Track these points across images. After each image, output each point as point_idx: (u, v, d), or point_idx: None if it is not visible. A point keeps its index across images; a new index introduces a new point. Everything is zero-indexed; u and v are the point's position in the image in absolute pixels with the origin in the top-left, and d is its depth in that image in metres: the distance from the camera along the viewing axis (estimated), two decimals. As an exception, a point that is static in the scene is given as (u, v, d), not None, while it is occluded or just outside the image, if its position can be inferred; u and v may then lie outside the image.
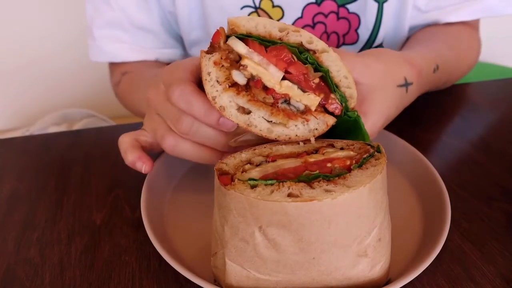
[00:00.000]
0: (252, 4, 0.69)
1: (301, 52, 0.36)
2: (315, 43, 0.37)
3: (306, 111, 0.37)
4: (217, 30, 0.36)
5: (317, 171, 0.33)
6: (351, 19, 0.71)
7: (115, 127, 0.69)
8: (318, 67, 0.37)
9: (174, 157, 0.49)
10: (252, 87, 0.36)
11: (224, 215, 0.33)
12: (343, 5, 0.69)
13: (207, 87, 0.36)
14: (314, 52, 0.37)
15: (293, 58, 0.36)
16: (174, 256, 0.37)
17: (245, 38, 0.36)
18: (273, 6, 0.69)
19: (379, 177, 0.32)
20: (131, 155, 0.44)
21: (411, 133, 0.57)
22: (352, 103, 0.38)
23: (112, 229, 0.46)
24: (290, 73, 0.36)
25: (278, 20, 0.40)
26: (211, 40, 0.36)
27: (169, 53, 0.76)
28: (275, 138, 0.37)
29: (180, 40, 0.79)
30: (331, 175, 0.32)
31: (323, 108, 0.38)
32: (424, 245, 0.40)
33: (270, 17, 0.70)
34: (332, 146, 0.37)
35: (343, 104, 0.37)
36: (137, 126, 0.49)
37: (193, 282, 0.34)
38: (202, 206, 0.45)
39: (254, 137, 0.39)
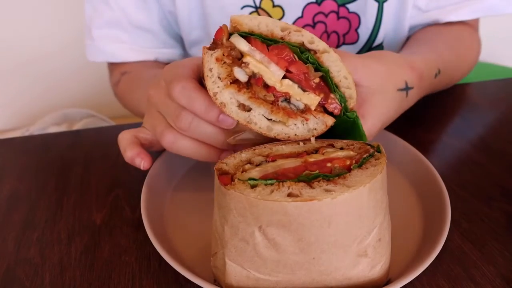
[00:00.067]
0: (252, 4, 0.69)
1: (302, 52, 0.37)
2: (316, 43, 0.37)
3: (306, 110, 0.37)
4: (220, 27, 0.36)
5: (317, 171, 0.33)
6: (351, 19, 0.71)
7: (115, 127, 0.69)
8: (318, 67, 0.37)
9: (174, 157, 0.49)
10: (253, 84, 0.36)
11: (224, 215, 0.33)
12: (343, 5, 0.69)
13: (208, 83, 0.36)
14: (315, 52, 0.37)
15: (294, 58, 0.36)
16: (174, 256, 0.37)
17: (247, 36, 0.36)
18: (274, 6, 0.69)
19: (379, 177, 0.32)
20: (130, 151, 0.44)
21: (411, 133, 0.57)
22: (351, 104, 0.38)
23: (112, 229, 0.46)
24: (291, 72, 0.37)
25: (278, 20, 0.40)
26: (214, 37, 0.36)
27: (168, 53, 0.76)
28: (274, 136, 0.37)
29: (179, 40, 0.79)
30: (331, 175, 0.32)
31: (322, 109, 0.38)
32: (424, 245, 0.40)
33: (271, 17, 0.70)
34: (332, 146, 0.37)
35: (343, 104, 0.38)
36: (137, 126, 0.48)
37: (193, 282, 0.34)
38: (202, 206, 0.45)
39: (253, 136, 0.39)
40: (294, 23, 0.70)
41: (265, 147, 0.37)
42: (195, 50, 0.77)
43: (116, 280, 0.40)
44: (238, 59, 0.37)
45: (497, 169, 0.53)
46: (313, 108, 0.37)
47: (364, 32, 0.72)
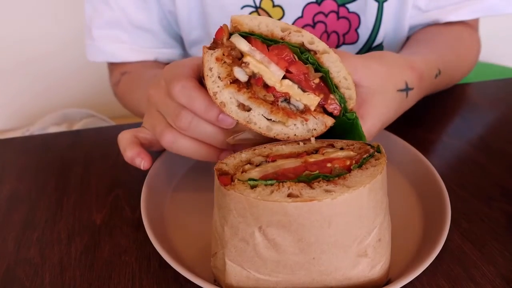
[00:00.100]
0: (252, 4, 0.69)
1: (302, 52, 0.37)
2: (316, 43, 0.37)
3: (305, 110, 0.37)
4: (221, 26, 0.36)
5: (317, 171, 0.33)
6: (351, 19, 0.71)
7: (115, 127, 0.69)
8: (318, 67, 0.37)
9: (174, 157, 0.49)
10: (253, 84, 0.37)
11: (224, 215, 0.33)
12: (343, 5, 0.69)
13: (208, 82, 0.36)
14: (315, 52, 0.37)
15: (294, 58, 0.36)
16: (174, 256, 0.37)
17: (247, 36, 0.36)
18: (274, 6, 0.69)
19: (379, 177, 0.32)
20: (130, 151, 0.44)
21: (411, 133, 0.57)
22: (351, 104, 0.38)
23: (112, 229, 0.46)
24: (291, 72, 0.37)
25: (279, 20, 0.40)
26: (214, 36, 0.36)
27: (168, 53, 0.76)
28: (274, 137, 0.37)
29: (179, 40, 0.79)
30: (331, 175, 0.32)
31: (322, 109, 0.38)
32: (424, 245, 0.40)
33: (271, 17, 0.70)
34: (332, 146, 0.37)
35: (342, 105, 0.38)
36: (137, 126, 0.48)
37: (193, 282, 0.34)
38: (202, 206, 0.45)
39: (252, 135, 0.39)
40: (294, 23, 0.70)
41: (265, 147, 0.37)
42: (195, 50, 0.77)
43: (116, 280, 0.40)
44: (238, 59, 0.37)
45: (497, 169, 0.53)
46: (312, 108, 0.37)
47: (364, 32, 0.72)
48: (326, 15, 0.70)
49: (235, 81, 0.36)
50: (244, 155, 0.36)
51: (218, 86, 0.36)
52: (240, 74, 0.36)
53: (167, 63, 0.71)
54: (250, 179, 0.32)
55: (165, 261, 0.36)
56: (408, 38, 0.73)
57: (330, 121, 0.38)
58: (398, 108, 0.47)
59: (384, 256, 0.35)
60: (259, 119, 0.37)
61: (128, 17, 0.71)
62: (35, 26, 1.41)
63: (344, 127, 0.39)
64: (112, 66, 0.78)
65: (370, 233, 0.33)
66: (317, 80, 0.37)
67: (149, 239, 0.39)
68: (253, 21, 0.36)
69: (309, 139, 0.38)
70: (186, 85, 0.38)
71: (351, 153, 0.35)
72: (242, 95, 0.36)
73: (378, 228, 0.33)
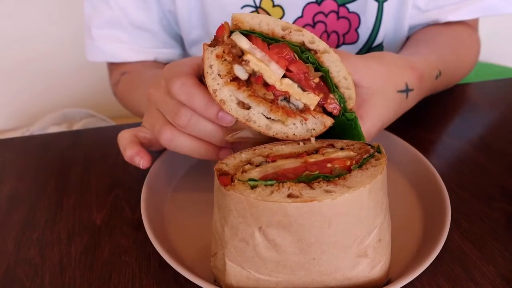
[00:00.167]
0: (252, 3, 0.69)
1: (302, 52, 0.37)
2: (317, 43, 0.37)
3: (305, 110, 0.37)
4: (222, 24, 0.36)
5: (317, 172, 0.33)
6: (351, 19, 0.71)
7: (115, 127, 0.69)
8: (318, 67, 0.37)
9: (174, 157, 0.49)
10: (253, 82, 0.37)
11: (224, 215, 0.33)
12: (343, 5, 0.69)
13: (208, 79, 0.36)
14: (316, 52, 0.37)
15: (295, 57, 0.37)
16: (174, 256, 0.37)
17: (248, 34, 0.36)
18: (274, 6, 0.69)
19: (379, 178, 0.32)
20: (130, 150, 0.44)
21: (411, 133, 0.57)
22: (350, 104, 0.38)
23: (112, 229, 0.46)
24: (291, 71, 0.37)
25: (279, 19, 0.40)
26: (215, 34, 0.36)
27: (168, 53, 0.76)
28: (273, 135, 0.37)
29: (179, 40, 0.79)
30: (331, 176, 0.32)
31: (321, 109, 0.38)
32: (424, 245, 0.40)
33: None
34: (332, 146, 0.37)
35: (342, 105, 0.38)
36: (137, 126, 0.49)
37: (193, 282, 0.34)
38: (202, 206, 0.45)
39: (252, 134, 0.39)
40: (294, 22, 0.70)
41: (265, 147, 0.37)
42: (195, 50, 0.77)
43: (116, 280, 0.40)
44: (239, 56, 0.37)
45: (497, 169, 0.53)
46: (312, 108, 0.37)
47: (364, 32, 0.72)
48: (326, 15, 0.70)
49: (235, 79, 0.36)
50: (244, 155, 0.36)
51: (218, 84, 0.36)
52: (240, 72, 0.36)
53: (166, 63, 0.71)
54: (250, 180, 0.32)
55: (165, 261, 0.36)
56: (408, 38, 0.73)
57: (329, 121, 0.38)
58: (398, 108, 0.47)
59: (384, 257, 0.35)
60: (258, 117, 0.37)
61: (128, 16, 0.71)
62: (35, 25, 1.41)
63: (343, 127, 0.39)
64: (112, 66, 0.78)
65: (370, 233, 0.33)
66: (317, 80, 0.37)
67: (149, 239, 0.39)
68: (254, 19, 0.36)
69: (309, 139, 0.38)
70: (186, 83, 0.38)
71: (351, 153, 0.35)
72: (242, 93, 0.36)
73: (378, 229, 0.33)
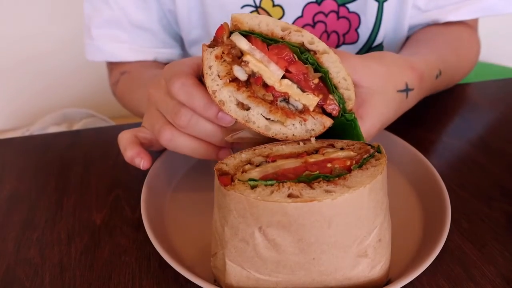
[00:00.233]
0: (252, 3, 0.69)
1: (302, 52, 0.37)
2: (316, 44, 0.37)
3: (304, 110, 0.37)
4: (221, 25, 0.36)
5: (317, 172, 0.33)
6: (351, 19, 0.71)
7: (115, 127, 0.69)
8: (318, 67, 0.37)
9: (174, 157, 0.49)
10: (253, 83, 0.37)
11: (224, 215, 0.33)
12: (343, 5, 0.69)
13: (207, 80, 0.36)
14: (315, 52, 0.37)
15: (294, 58, 0.36)
16: (174, 256, 0.37)
17: (247, 35, 0.36)
18: (274, 5, 0.69)
19: (379, 178, 0.32)
20: (130, 151, 0.44)
21: (411, 133, 0.57)
22: (350, 105, 0.38)
23: (112, 229, 0.46)
24: (290, 72, 0.37)
25: (278, 19, 0.40)
26: (214, 34, 0.36)
27: (167, 52, 0.76)
28: (272, 136, 0.37)
29: (178, 40, 0.79)
30: (331, 176, 0.32)
31: (321, 110, 0.38)
32: (424, 245, 0.40)
33: (271, 16, 0.70)
34: (332, 146, 0.37)
35: (341, 106, 0.38)
36: (137, 126, 0.49)
37: (193, 282, 0.34)
38: (202, 206, 0.45)
39: (251, 134, 0.39)
40: (294, 22, 0.70)
41: (265, 147, 0.37)
42: (195, 50, 0.77)
43: (116, 280, 0.40)
44: (238, 57, 0.37)
45: (497, 169, 0.53)
46: (311, 108, 0.37)
47: (364, 32, 0.72)
48: (326, 15, 0.70)
49: (235, 79, 0.36)
50: (244, 155, 0.36)
51: (218, 84, 0.36)
52: (240, 73, 0.36)
53: (166, 63, 0.71)
54: (250, 179, 0.32)
55: (165, 261, 0.36)
56: (407, 38, 0.73)
57: (328, 122, 0.38)
58: (397, 108, 0.47)
59: (384, 257, 0.35)
60: (257, 118, 0.37)
61: (128, 16, 0.71)
62: (35, 24, 1.41)
63: (342, 128, 0.39)
64: (111, 65, 0.78)
65: (370, 233, 0.33)
66: (316, 80, 0.37)
67: (149, 239, 0.39)
68: (253, 20, 0.36)
69: (309, 139, 0.38)
70: (185, 83, 0.39)
71: (352, 153, 0.35)
72: (241, 94, 0.36)
73: (378, 229, 0.33)
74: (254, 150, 0.37)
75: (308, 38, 0.37)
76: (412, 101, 0.51)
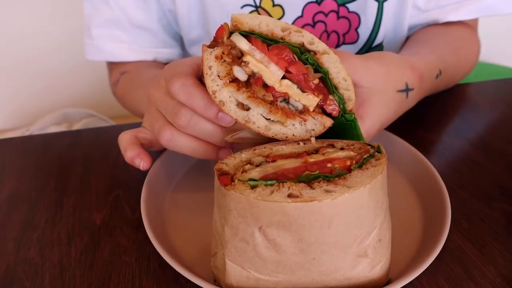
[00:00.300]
0: (252, 3, 0.69)
1: (302, 53, 0.37)
2: (316, 44, 0.37)
3: (304, 111, 0.37)
4: (221, 25, 0.36)
5: (317, 172, 0.33)
6: (351, 18, 0.71)
7: (115, 127, 0.69)
8: (318, 68, 0.37)
9: (174, 157, 0.49)
10: (253, 84, 0.37)
11: (224, 215, 0.33)
12: (343, 4, 0.69)
13: (207, 81, 0.36)
14: (315, 53, 0.37)
15: (294, 58, 0.36)
16: (174, 256, 0.37)
17: (247, 35, 0.36)
18: (274, 5, 0.69)
19: (379, 178, 0.32)
20: (130, 152, 0.44)
21: (411, 133, 0.57)
22: (350, 105, 0.38)
23: (112, 229, 0.46)
24: (290, 72, 0.37)
25: (279, 19, 0.40)
26: (214, 35, 0.36)
27: (167, 52, 0.76)
28: (272, 136, 0.37)
29: (178, 40, 0.79)
30: (331, 176, 0.32)
31: (321, 110, 0.38)
32: (424, 245, 0.40)
33: (271, 16, 0.70)
34: (332, 146, 0.37)
35: (341, 106, 0.38)
36: (137, 126, 0.49)
37: (193, 282, 0.34)
38: (202, 206, 0.45)
39: (251, 134, 0.39)
40: (294, 22, 0.70)
41: (265, 147, 0.37)
42: (195, 50, 0.77)
43: (116, 280, 0.40)
44: (238, 58, 0.37)
45: (497, 169, 0.53)
46: (311, 109, 0.37)
47: (364, 31, 0.72)
48: (326, 15, 0.70)
49: (235, 80, 0.37)
50: (244, 155, 0.36)
51: (218, 85, 0.36)
52: (240, 73, 0.36)
53: (166, 63, 0.71)
54: (250, 179, 0.32)
55: (165, 261, 0.36)
56: (407, 38, 0.73)
57: (328, 122, 0.38)
58: (397, 108, 0.47)
59: (384, 257, 0.35)
60: (258, 118, 0.37)
61: (128, 16, 0.71)
62: (35, 24, 1.41)
63: (342, 128, 0.39)
64: (111, 65, 0.78)
65: (370, 233, 0.33)
66: (316, 81, 0.37)
67: (149, 239, 0.39)
68: (253, 20, 0.36)
69: (309, 139, 0.38)
70: (185, 83, 0.39)
71: (352, 153, 0.35)
72: (241, 94, 0.36)
73: (378, 229, 0.33)
74: (254, 150, 0.37)
75: (308, 38, 0.37)
76: (412, 101, 0.51)
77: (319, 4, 0.69)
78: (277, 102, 0.37)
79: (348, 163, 0.34)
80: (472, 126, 0.64)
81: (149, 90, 0.44)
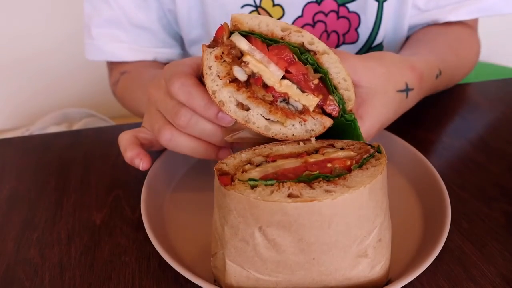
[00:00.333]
0: (252, 3, 0.69)
1: (302, 53, 0.37)
2: (316, 44, 0.37)
3: (304, 111, 0.37)
4: (221, 25, 0.36)
5: (317, 172, 0.33)
6: (351, 18, 0.71)
7: (115, 127, 0.69)
8: (318, 68, 0.37)
9: (174, 157, 0.49)
10: (252, 84, 0.37)
11: (224, 215, 0.33)
12: (343, 4, 0.69)
13: (207, 81, 0.36)
14: (315, 53, 0.37)
15: (294, 58, 0.36)
16: (174, 256, 0.37)
17: (247, 35, 0.36)
18: (274, 5, 0.69)
19: (379, 178, 0.32)
20: (130, 152, 0.44)
21: (411, 133, 0.57)
22: (349, 106, 0.38)
23: (112, 229, 0.46)
24: (290, 72, 0.37)
25: (279, 19, 0.40)
26: (214, 35, 0.36)
27: (167, 52, 0.76)
28: (272, 136, 0.37)
29: (178, 40, 0.79)
30: (331, 176, 0.32)
31: (321, 110, 0.38)
32: (424, 245, 0.40)
33: (271, 16, 0.70)
34: (332, 146, 0.37)
35: (341, 106, 0.38)
36: (137, 126, 0.49)
37: (193, 282, 0.34)
38: (202, 206, 0.45)
39: (251, 134, 0.39)
40: (294, 22, 0.70)
41: (265, 147, 0.37)
42: (195, 49, 0.77)
43: (116, 280, 0.40)
44: (238, 58, 0.37)
45: (497, 169, 0.53)
46: (311, 109, 0.37)
47: (364, 31, 0.72)
48: (326, 15, 0.70)
49: (234, 80, 0.37)
50: (244, 155, 0.36)
51: (217, 85, 0.36)
52: (240, 73, 0.36)
53: (166, 63, 0.71)
54: (250, 179, 0.32)
55: (165, 261, 0.36)
56: (407, 38, 0.73)
57: (328, 122, 0.38)
58: (397, 108, 0.47)
59: (384, 257, 0.35)
60: (257, 118, 0.37)
61: (128, 16, 0.71)
62: (35, 24, 1.41)
63: (342, 128, 0.39)
64: (111, 65, 0.78)
65: (370, 233, 0.33)
66: (316, 81, 0.37)
67: (149, 239, 0.39)
68: (253, 20, 0.36)
69: (309, 139, 0.38)
70: (185, 83, 0.39)
71: (352, 153, 0.35)
72: (241, 94, 0.36)
73: (378, 228, 0.33)
74: (254, 150, 0.37)
75: (308, 38, 0.37)
76: (412, 101, 0.51)
77: (319, 4, 0.69)
78: (277, 102, 0.37)
79: (348, 163, 0.34)
80: (472, 126, 0.64)
81: (149, 90, 0.44)
